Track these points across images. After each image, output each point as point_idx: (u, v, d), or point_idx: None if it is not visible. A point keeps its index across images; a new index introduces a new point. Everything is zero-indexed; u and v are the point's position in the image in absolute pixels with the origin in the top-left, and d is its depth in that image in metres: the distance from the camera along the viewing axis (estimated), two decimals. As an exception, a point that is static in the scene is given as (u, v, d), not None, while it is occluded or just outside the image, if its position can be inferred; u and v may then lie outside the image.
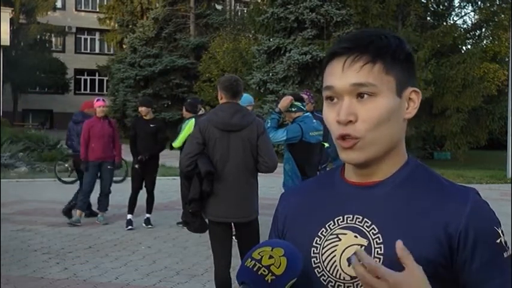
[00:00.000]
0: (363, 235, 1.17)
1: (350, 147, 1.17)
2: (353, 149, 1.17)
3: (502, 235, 1.16)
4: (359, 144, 1.16)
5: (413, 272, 1.07)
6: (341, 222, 1.20)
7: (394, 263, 1.10)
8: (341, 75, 1.17)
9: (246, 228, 4.39)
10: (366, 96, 1.15)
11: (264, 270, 1.06)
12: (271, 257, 1.08)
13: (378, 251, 1.14)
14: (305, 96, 6.94)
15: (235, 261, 4.39)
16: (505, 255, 1.15)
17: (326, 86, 1.20)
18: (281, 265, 1.07)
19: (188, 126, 7.73)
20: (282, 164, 5.81)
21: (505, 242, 1.16)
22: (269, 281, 1.06)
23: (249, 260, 1.08)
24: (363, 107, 1.15)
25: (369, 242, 1.16)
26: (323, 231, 1.21)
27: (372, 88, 1.15)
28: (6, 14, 26.24)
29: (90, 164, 8.29)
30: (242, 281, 1.08)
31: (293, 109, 5.61)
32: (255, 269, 1.07)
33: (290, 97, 5.63)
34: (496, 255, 1.14)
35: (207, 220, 4.45)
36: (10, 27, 28.93)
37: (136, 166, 8.20)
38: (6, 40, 26.32)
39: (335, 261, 1.18)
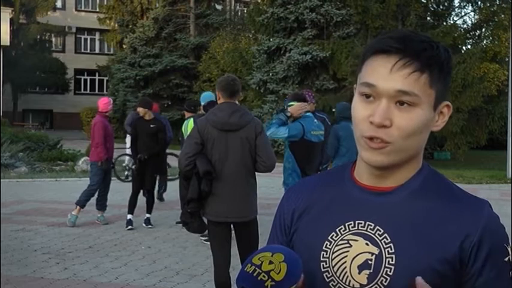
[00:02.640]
0: (375, 243, 1.15)
1: (377, 148, 1.14)
2: (379, 152, 1.14)
3: (510, 253, 1.15)
4: (387, 148, 1.14)
5: None
6: (352, 227, 1.18)
7: (404, 274, 1.10)
8: (388, 76, 1.13)
9: (245, 228, 4.39)
10: (405, 105, 1.13)
11: (264, 276, 1.06)
12: (271, 262, 1.07)
13: (389, 261, 1.13)
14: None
15: (235, 261, 4.39)
16: (511, 274, 1.14)
17: (367, 83, 1.15)
18: (281, 271, 1.06)
19: (190, 127, 7.79)
20: (282, 163, 5.82)
21: None
22: (269, 286, 1.05)
23: (249, 265, 1.08)
24: (400, 115, 1.13)
25: (380, 251, 1.14)
26: (333, 235, 1.19)
27: (414, 98, 1.12)
28: (6, 14, 26.22)
29: (107, 164, 8.33)
30: (242, 286, 1.07)
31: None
32: (254, 275, 1.06)
33: (304, 106, 5.65)
34: (502, 273, 1.13)
35: (206, 220, 4.45)
36: (10, 27, 28.92)
37: (133, 167, 8.20)
38: (6, 40, 26.31)
39: (345, 267, 1.16)
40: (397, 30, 1.21)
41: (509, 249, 1.15)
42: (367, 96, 1.15)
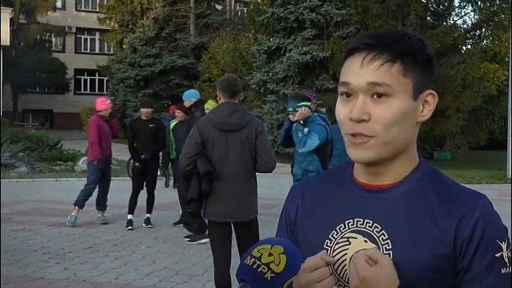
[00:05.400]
0: (373, 240, 1.16)
1: (360, 143, 1.15)
2: (363, 147, 1.16)
3: (504, 250, 1.14)
4: (370, 142, 1.15)
5: (382, 268, 1.08)
6: (351, 225, 1.20)
7: (401, 270, 1.11)
8: (359, 71, 1.15)
9: (245, 228, 4.39)
10: (381, 96, 1.14)
11: (264, 268, 1.07)
12: (270, 254, 1.08)
13: None
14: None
15: (235, 261, 4.39)
16: (503, 271, 1.13)
17: (342, 82, 1.18)
18: (281, 263, 1.07)
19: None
20: (291, 165, 5.80)
21: (509, 258, 1.14)
22: (268, 278, 1.06)
23: (249, 257, 1.09)
24: (377, 107, 1.14)
25: (378, 248, 1.15)
26: (334, 233, 1.21)
27: (387, 89, 1.14)
28: (6, 14, 26.22)
29: (103, 163, 8.34)
30: (242, 278, 1.08)
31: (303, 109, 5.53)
32: (254, 267, 1.07)
33: (307, 109, 5.54)
34: (491, 268, 1.13)
35: (206, 220, 4.45)
36: (10, 27, 28.92)
37: (137, 164, 8.20)
38: (6, 40, 26.31)
39: (345, 265, 1.17)
40: (374, 30, 1.23)
41: (503, 245, 1.14)
42: (347, 95, 1.18)
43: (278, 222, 1.37)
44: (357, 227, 1.19)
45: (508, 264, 1.14)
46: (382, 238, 1.16)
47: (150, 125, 8.31)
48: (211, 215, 4.30)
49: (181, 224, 8.05)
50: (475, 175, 16.17)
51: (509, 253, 1.15)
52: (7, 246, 6.86)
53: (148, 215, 8.41)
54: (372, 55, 1.15)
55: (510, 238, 1.17)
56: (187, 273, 6.05)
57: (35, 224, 8.36)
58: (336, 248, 1.19)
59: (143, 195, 8.36)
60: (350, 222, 1.20)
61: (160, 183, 9.11)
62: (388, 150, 1.17)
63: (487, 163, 19.83)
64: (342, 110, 1.18)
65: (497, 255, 1.13)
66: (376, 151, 1.16)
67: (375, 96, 1.14)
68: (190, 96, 7.69)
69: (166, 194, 10.73)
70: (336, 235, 1.20)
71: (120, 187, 10.72)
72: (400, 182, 1.20)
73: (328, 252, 1.20)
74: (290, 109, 5.64)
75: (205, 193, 4.26)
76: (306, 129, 5.49)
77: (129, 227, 8.12)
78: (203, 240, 7.47)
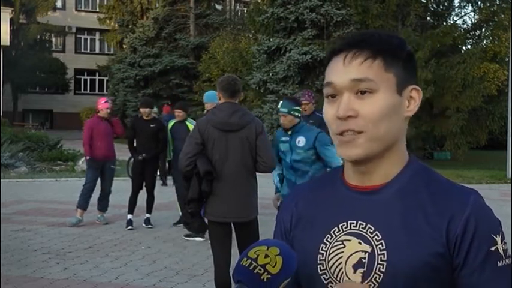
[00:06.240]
0: (367, 241, 1.17)
1: (349, 141, 1.16)
2: (352, 145, 1.16)
3: (499, 243, 1.14)
4: (361, 140, 1.15)
5: None
6: (345, 228, 1.20)
7: (397, 269, 1.12)
8: (341, 70, 1.17)
9: (245, 228, 4.39)
10: (365, 93, 1.15)
11: (260, 269, 1.07)
12: (266, 256, 1.08)
13: (381, 258, 1.14)
14: (305, 97, 6.92)
15: (235, 261, 4.39)
16: (499, 263, 1.13)
17: (326, 83, 1.20)
18: (277, 264, 1.07)
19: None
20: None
21: (504, 250, 1.14)
22: (265, 279, 1.06)
23: (245, 259, 1.09)
24: (363, 103, 1.15)
25: (372, 249, 1.16)
26: (328, 237, 1.21)
27: (371, 84, 1.15)
28: (6, 14, 26.23)
29: (96, 163, 8.34)
30: (238, 279, 1.08)
31: (297, 114, 5.10)
32: (250, 268, 1.07)
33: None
34: (487, 262, 1.13)
35: (206, 220, 4.45)
36: (10, 27, 28.93)
37: (140, 158, 8.19)
38: (6, 40, 26.32)
39: (341, 268, 1.18)
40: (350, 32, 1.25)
41: (497, 239, 1.14)
42: (332, 96, 1.19)
43: (274, 231, 1.37)
44: (350, 229, 1.19)
45: (504, 257, 1.14)
46: (375, 239, 1.16)
47: (152, 125, 8.30)
48: (211, 215, 4.30)
49: (181, 224, 8.07)
50: (474, 175, 16.17)
51: (504, 245, 1.15)
52: (7, 246, 6.86)
53: (148, 215, 8.41)
54: (353, 53, 1.17)
55: (511, 233, 1.17)
56: (187, 273, 6.05)
57: (35, 224, 8.36)
58: (331, 251, 1.20)
59: (143, 195, 8.36)
60: (344, 225, 1.20)
61: (159, 182, 9.13)
62: (378, 146, 1.17)
63: (487, 163, 19.83)
64: (329, 111, 1.19)
65: (492, 248, 1.13)
66: (365, 147, 1.16)
67: (359, 93, 1.16)
68: (212, 98, 7.50)
69: (166, 194, 10.71)
70: (331, 239, 1.21)
71: (120, 187, 10.71)
72: (390, 181, 1.20)
73: (324, 256, 1.20)
74: (284, 110, 5.09)
75: (205, 193, 4.26)
76: (301, 138, 5.04)
77: (129, 227, 8.12)
78: (198, 239, 7.48)
